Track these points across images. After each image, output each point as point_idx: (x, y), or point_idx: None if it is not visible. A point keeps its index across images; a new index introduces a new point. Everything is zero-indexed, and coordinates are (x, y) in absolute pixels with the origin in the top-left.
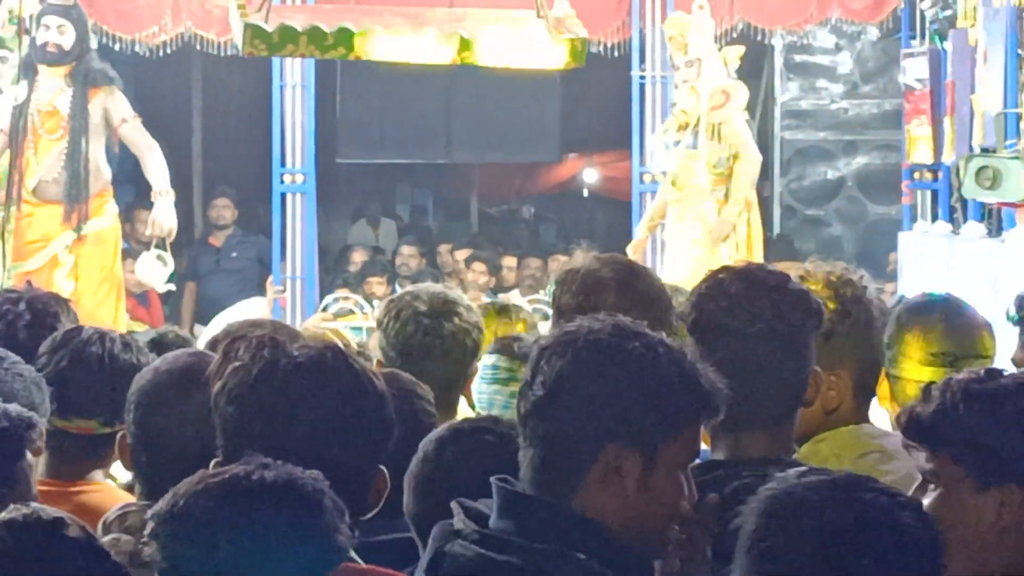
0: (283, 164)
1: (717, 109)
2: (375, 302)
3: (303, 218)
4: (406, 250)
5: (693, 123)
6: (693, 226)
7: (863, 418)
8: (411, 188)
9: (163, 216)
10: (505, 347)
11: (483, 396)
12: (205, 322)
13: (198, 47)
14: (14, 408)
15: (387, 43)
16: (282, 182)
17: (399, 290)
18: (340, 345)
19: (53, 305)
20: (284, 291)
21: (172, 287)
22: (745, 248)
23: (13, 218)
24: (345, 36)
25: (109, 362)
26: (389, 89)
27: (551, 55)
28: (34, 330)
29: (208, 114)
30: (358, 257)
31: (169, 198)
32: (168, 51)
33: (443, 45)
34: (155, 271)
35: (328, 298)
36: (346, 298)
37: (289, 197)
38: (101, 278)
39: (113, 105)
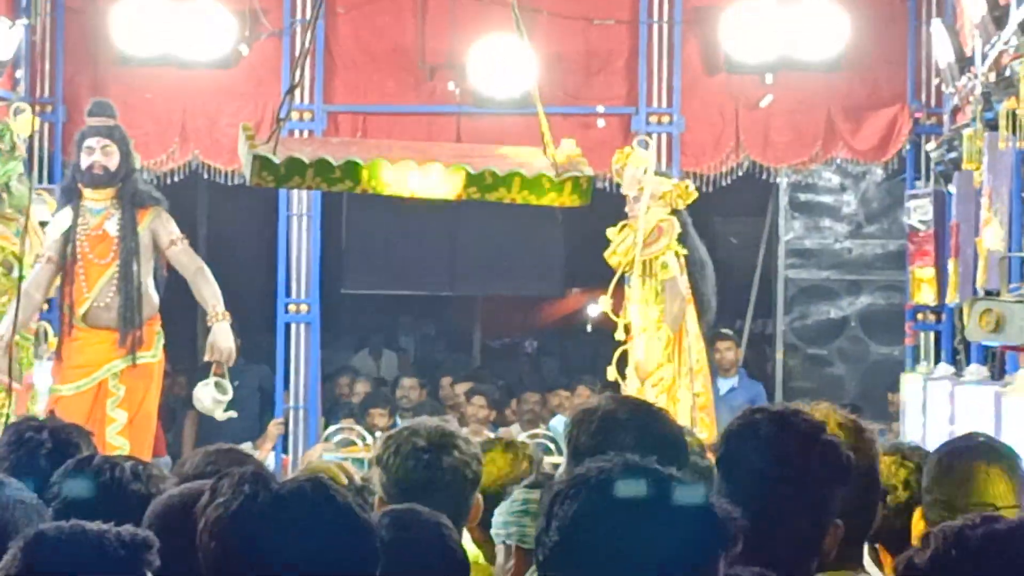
0: (288, 294)
1: (650, 246)
2: (377, 433)
3: (307, 348)
4: (407, 382)
5: (626, 262)
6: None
7: (857, 562)
8: (414, 319)
9: (222, 340)
10: (541, 483)
11: (511, 527)
12: None
13: (205, 175)
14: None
15: (394, 177)
16: (287, 312)
17: (400, 422)
18: (324, 478)
19: (75, 436)
20: (283, 425)
21: (234, 414)
22: (689, 379)
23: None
24: (352, 169)
25: (118, 491)
26: (394, 221)
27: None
28: (55, 458)
29: (213, 242)
30: (360, 388)
31: (226, 321)
32: (175, 179)
33: (449, 180)
34: (214, 400)
35: (330, 428)
36: (349, 429)
37: (293, 327)
38: (143, 411)
39: (162, 226)
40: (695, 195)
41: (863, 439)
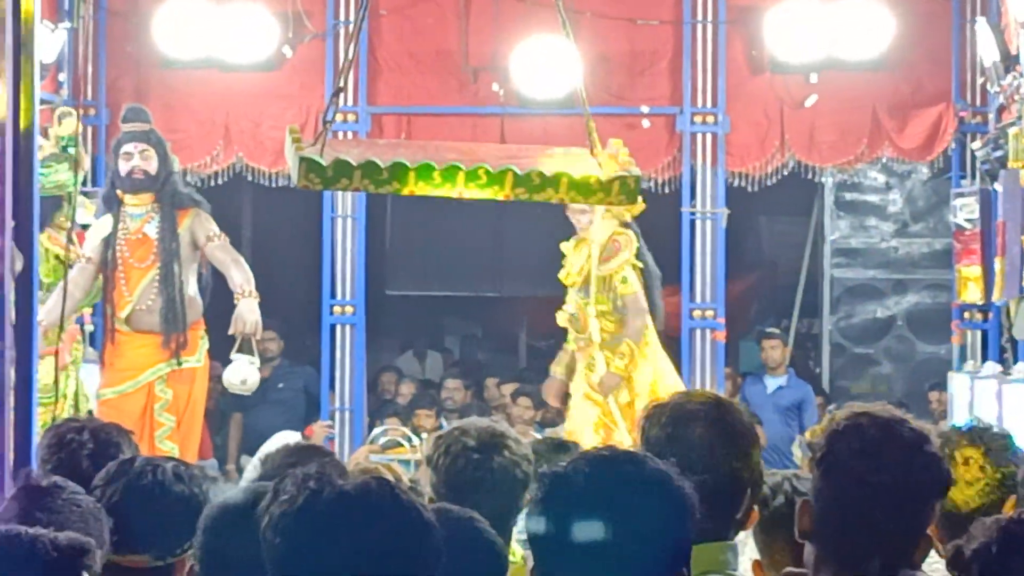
0: (333, 295)
1: (607, 261)
2: (423, 435)
3: (352, 349)
4: (451, 383)
5: (583, 278)
6: (579, 382)
7: None
8: (459, 320)
9: (247, 312)
10: None
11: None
12: (251, 453)
13: (249, 177)
14: (64, 536)
15: (441, 179)
16: (331, 313)
17: (446, 423)
18: (388, 476)
19: (116, 436)
20: (333, 427)
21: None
22: (648, 393)
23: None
24: (400, 171)
25: (161, 493)
26: (439, 222)
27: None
28: (97, 459)
29: (258, 244)
30: (406, 389)
31: (253, 299)
32: (219, 181)
33: (496, 181)
34: (249, 360)
35: (376, 430)
36: (395, 430)
37: (338, 328)
38: (188, 415)
39: (200, 226)
40: (642, 207)
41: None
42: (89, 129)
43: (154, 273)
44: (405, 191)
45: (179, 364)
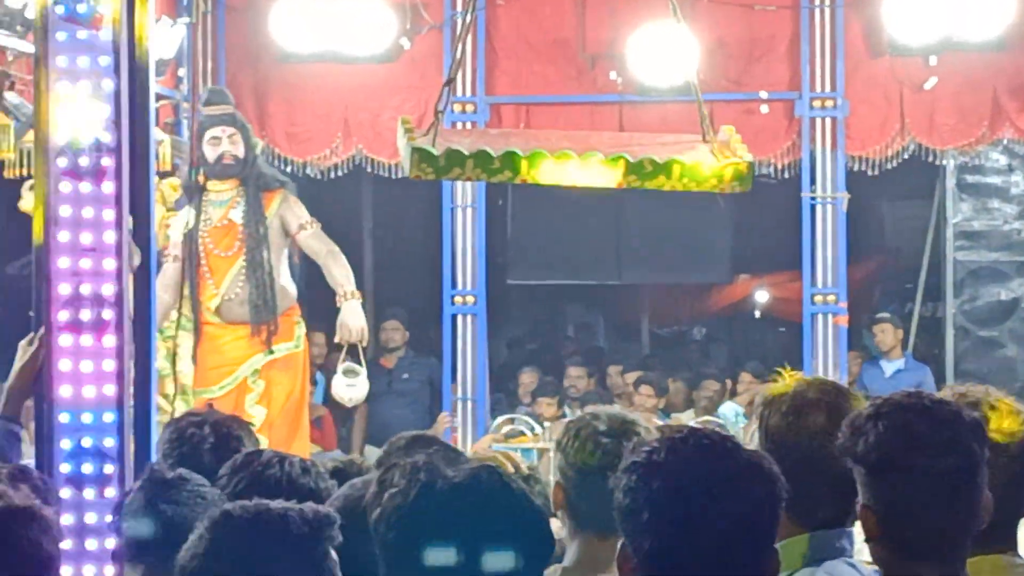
0: (454, 286)
1: None
2: (545, 424)
3: (474, 339)
4: (573, 371)
5: None
6: None
7: (1010, 544)
8: (581, 309)
9: (351, 318)
10: None
11: None
12: (377, 444)
13: (369, 169)
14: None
15: (553, 167)
16: (452, 303)
17: (568, 412)
18: (497, 466)
19: (236, 429)
20: (455, 420)
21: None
22: None
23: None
24: (512, 160)
25: (288, 486)
26: (559, 210)
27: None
28: (218, 453)
29: (378, 236)
30: (528, 378)
31: (356, 301)
32: (339, 173)
33: (609, 169)
34: (350, 386)
35: (499, 419)
36: (517, 419)
37: (460, 318)
38: (289, 405)
39: (289, 211)
40: None
41: (1017, 419)
42: None
43: (241, 261)
44: (517, 179)
45: (271, 352)
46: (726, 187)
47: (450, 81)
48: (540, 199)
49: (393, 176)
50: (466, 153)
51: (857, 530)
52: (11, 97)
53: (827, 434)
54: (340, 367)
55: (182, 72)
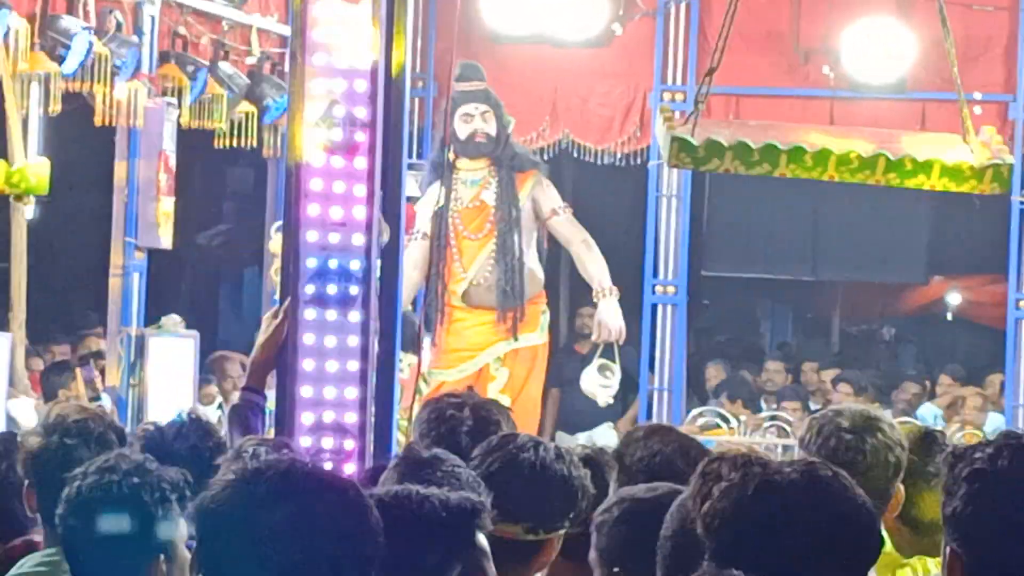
0: (655, 275)
1: None
2: (742, 417)
3: (673, 330)
4: (772, 365)
5: None
6: None
7: None
8: (774, 303)
9: (610, 317)
10: None
11: None
12: (567, 430)
13: (575, 154)
14: (456, 496)
15: (812, 163)
16: (654, 293)
17: (763, 406)
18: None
19: (496, 413)
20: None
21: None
22: None
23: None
24: (771, 153)
25: (541, 470)
26: (757, 203)
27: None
28: (476, 436)
29: (580, 221)
30: (713, 372)
31: (614, 297)
32: (544, 157)
33: (867, 166)
34: (604, 386)
35: (695, 411)
36: (711, 411)
37: (660, 308)
38: (525, 395)
39: (543, 194)
40: None
41: None
42: (416, 101)
43: (491, 245)
44: (776, 173)
45: (516, 340)
46: (986, 188)
47: (712, 71)
48: (739, 191)
49: (598, 162)
50: (726, 145)
51: None
52: (225, 67)
53: None
54: (596, 363)
55: None
